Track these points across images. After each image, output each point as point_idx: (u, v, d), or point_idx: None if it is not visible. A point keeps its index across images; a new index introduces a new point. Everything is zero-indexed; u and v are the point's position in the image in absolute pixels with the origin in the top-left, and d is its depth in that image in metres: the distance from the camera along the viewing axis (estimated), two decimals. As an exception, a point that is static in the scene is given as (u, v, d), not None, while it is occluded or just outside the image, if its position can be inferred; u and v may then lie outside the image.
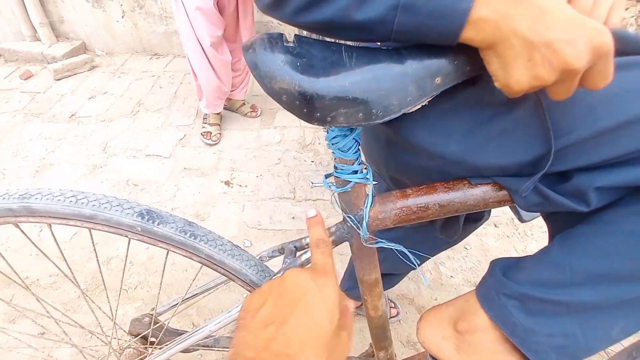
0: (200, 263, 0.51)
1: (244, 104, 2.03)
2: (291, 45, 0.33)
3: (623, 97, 0.35)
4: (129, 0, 2.39)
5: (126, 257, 0.53)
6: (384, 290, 0.82)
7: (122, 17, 2.47)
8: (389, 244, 0.48)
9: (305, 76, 0.32)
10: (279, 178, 1.64)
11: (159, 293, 0.63)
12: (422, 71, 0.33)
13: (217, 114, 1.89)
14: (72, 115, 2.02)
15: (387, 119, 0.35)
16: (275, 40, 0.33)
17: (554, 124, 0.37)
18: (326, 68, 0.32)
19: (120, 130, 1.91)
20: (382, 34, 0.32)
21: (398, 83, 0.33)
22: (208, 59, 1.61)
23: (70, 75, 2.35)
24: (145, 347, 0.72)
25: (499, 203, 0.46)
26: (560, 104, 0.34)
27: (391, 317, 1.16)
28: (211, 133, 1.82)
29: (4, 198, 0.43)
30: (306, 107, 0.33)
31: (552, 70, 0.29)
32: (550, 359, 0.40)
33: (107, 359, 0.71)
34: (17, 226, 0.47)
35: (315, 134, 1.92)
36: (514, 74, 0.30)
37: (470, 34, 0.30)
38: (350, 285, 0.94)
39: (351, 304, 0.27)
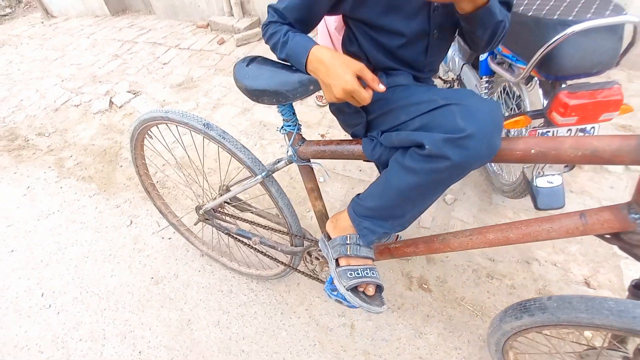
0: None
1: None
2: (246, 63, 0.77)
3: (390, 98, 0.72)
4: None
5: (203, 149, 1.07)
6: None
7: (287, -1, 3.15)
8: (306, 162, 0.92)
9: (246, 80, 0.77)
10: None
11: (226, 172, 1.18)
12: (304, 81, 0.73)
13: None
14: (241, 72, 2.86)
15: (288, 102, 0.78)
16: (243, 61, 0.78)
17: (366, 109, 0.75)
18: (257, 76, 0.76)
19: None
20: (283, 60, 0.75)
21: (292, 85, 0.75)
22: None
23: (246, 44, 3.23)
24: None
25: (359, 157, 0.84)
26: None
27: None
28: (322, 97, 2.33)
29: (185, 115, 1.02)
30: (249, 94, 0.80)
31: (334, 97, 0.67)
32: (363, 228, 0.80)
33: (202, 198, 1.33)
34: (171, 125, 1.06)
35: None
36: (326, 94, 0.69)
37: (309, 70, 0.70)
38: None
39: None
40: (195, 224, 1.33)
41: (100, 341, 1.33)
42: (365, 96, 0.65)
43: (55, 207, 1.95)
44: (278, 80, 0.76)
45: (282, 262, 1.22)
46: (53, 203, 1.98)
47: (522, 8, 1.06)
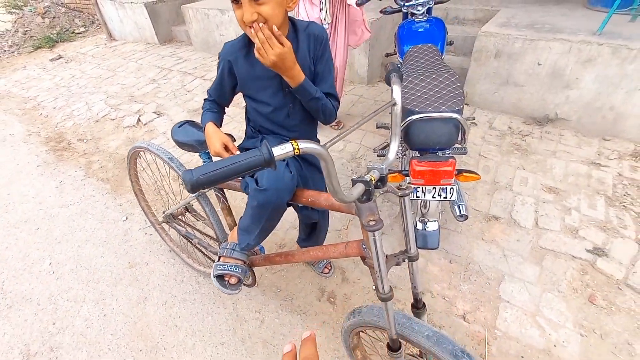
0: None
1: (334, 119, 2.87)
2: (179, 125, 1.23)
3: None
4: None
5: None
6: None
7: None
8: (219, 192, 1.31)
9: (175, 136, 1.24)
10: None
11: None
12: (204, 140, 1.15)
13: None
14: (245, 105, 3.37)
15: (201, 153, 1.19)
16: (179, 124, 1.26)
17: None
18: (182, 134, 1.23)
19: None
20: None
21: (197, 141, 1.20)
22: None
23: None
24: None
25: (239, 190, 1.18)
26: None
27: (325, 274, 1.80)
28: (339, 123, 2.88)
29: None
30: (177, 144, 1.25)
31: (212, 153, 1.10)
32: (239, 238, 1.15)
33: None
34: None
35: (366, 152, 2.56)
36: (210, 150, 1.11)
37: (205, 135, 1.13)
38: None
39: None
40: (160, 223, 1.77)
41: (80, 303, 1.77)
42: (225, 156, 1.09)
43: (76, 200, 2.49)
44: (191, 138, 1.21)
45: (213, 261, 1.61)
46: (75, 196, 2.53)
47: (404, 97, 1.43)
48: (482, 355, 1.46)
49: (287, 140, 0.58)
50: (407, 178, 1.43)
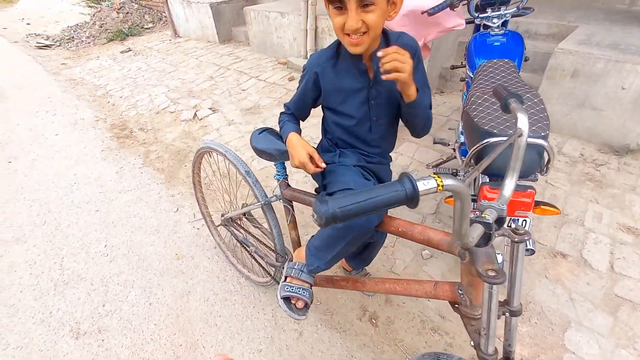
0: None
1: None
2: (259, 132, 1.20)
3: (334, 172, 1.12)
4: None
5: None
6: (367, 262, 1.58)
7: (352, 52, 3.64)
8: (286, 204, 1.28)
9: (254, 143, 1.21)
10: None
11: (247, 193, 1.60)
12: (285, 150, 1.13)
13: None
14: (297, 108, 3.39)
15: (277, 163, 1.19)
16: (258, 130, 1.22)
17: (323, 175, 1.12)
18: (262, 141, 1.19)
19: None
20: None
21: (278, 152, 1.15)
22: None
23: (310, 83, 3.78)
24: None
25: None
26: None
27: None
28: None
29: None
30: (255, 151, 1.22)
31: (293, 163, 1.08)
32: (308, 260, 1.13)
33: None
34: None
35: (417, 167, 2.44)
36: (291, 161, 1.09)
37: (286, 144, 1.11)
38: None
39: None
40: (217, 226, 1.80)
41: (129, 288, 1.84)
42: (311, 168, 1.08)
43: (133, 186, 2.63)
44: (272, 147, 1.19)
45: (268, 273, 1.59)
46: (133, 183, 2.67)
47: (474, 113, 1.33)
48: (540, 410, 1.30)
49: (403, 176, 0.52)
50: (475, 204, 1.32)
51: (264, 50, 4.82)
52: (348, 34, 0.90)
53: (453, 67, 2.41)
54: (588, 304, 1.59)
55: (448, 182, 0.53)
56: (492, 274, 0.68)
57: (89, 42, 6.83)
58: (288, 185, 1.32)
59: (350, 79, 1.04)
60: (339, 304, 1.70)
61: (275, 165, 1.31)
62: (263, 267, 1.62)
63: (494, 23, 1.93)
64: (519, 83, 1.47)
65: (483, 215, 0.69)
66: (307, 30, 3.90)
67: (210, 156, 1.68)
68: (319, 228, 1.20)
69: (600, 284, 1.66)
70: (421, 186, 0.50)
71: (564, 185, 2.21)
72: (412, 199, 0.50)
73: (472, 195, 1.33)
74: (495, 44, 1.80)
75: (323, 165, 1.08)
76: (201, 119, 3.46)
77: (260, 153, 1.23)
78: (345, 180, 1.05)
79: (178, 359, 1.51)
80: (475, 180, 1.57)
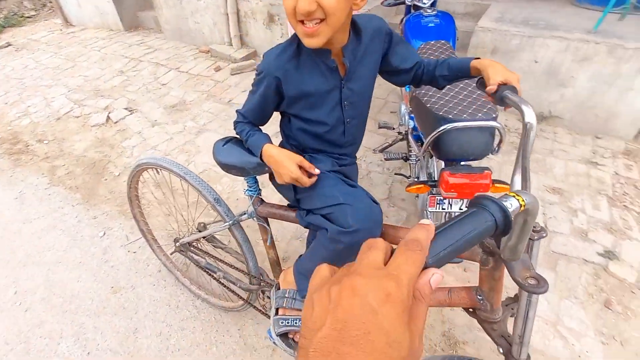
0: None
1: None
2: (223, 143, 1.01)
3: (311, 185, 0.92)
4: (286, 25, 3.33)
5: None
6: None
7: (281, 37, 3.45)
8: (261, 222, 1.13)
9: (220, 157, 1.01)
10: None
11: (203, 209, 1.40)
12: (260, 164, 0.97)
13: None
14: (229, 101, 3.13)
15: (248, 177, 0.99)
16: (222, 140, 1.04)
17: (295, 188, 0.98)
18: (229, 154, 1.01)
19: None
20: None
21: (252, 165, 0.98)
22: None
23: (239, 73, 3.51)
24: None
25: (297, 222, 1.02)
26: None
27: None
28: None
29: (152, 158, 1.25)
30: (221, 166, 1.03)
31: (284, 181, 0.91)
32: (300, 285, 1.00)
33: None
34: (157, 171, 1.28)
35: (365, 152, 2.43)
36: (277, 179, 0.93)
37: (263, 159, 0.93)
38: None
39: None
40: (171, 254, 1.55)
41: (57, 339, 1.53)
42: (306, 181, 0.92)
43: (41, 213, 2.18)
44: (243, 160, 1.00)
45: (241, 297, 1.42)
46: (40, 208, 2.21)
47: (424, 99, 1.31)
48: (510, 373, 1.40)
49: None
50: (433, 189, 1.32)
51: (180, 37, 4.34)
52: (302, 22, 0.76)
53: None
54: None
55: (529, 200, 0.46)
56: (532, 282, 0.64)
57: (-53, 36, 5.47)
58: (262, 200, 1.15)
59: (317, 81, 0.89)
60: (308, 309, 1.62)
61: (245, 180, 1.12)
62: (235, 292, 1.44)
63: (424, 3, 1.94)
64: (460, 64, 1.49)
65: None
66: (227, 14, 3.58)
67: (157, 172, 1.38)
68: (301, 245, 1.06)
69: (539, 244, 1.83)
70: (508, 206, 0.42)
71: (497, 156, 2.38)
72: (504, 229, 0.40)
73: (432, 180, 1.32)
74: (430, 25, 1.81)
75: (317, 171, 0.93)
76: (116, 122, 3.01)
77: (229, 168, 1.03)
78: (330, 193, 0.92)
79: (136, 412, 1.30)
80: (427, 164, 1.59)
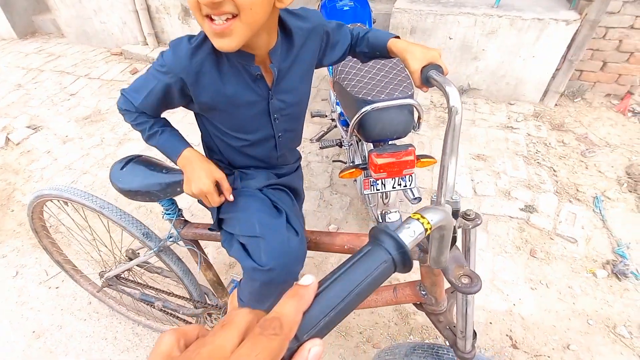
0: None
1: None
2: (122, 166, 0.88)
3: (234, 205, 0.88)
4: (204, 20, 3.14)
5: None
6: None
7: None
8: (189, 246, 1.03)
9: (119, 183, 0.87)
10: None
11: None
12: (172, 184, 0.86)
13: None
14: (152, 105, 2.88)
15: (162, 200, 0.88)
16: (120, 162, 0.89)
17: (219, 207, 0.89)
18: (130, 179, 0.87)
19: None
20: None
21: (161, 187, 0.86)
22: None
23: (160, 74, 3.25)
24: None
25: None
26: None
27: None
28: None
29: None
30: (124, 194, 0.88)
31: (190, 191, 0.80)
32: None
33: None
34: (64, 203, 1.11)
35: (303, 143, 2.40)
36: (185, 186, 0.81)
37: (178, 163, 0.81)
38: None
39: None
40: (98, 291, 1.38)
41: (-32, 405, 1.31)
42: (216, 200, 0.81)
43: None
44: (149, 182, 0.86)
45: (187, 322, 1.30)
46: None
47: (344, 83, 1.30)
48: (457, 333, 1.49)
49: (397, 214, 0.44)
50: (365, 172, 1.33)
51: (86, 40, 3.90)
52: (209, 17, 0.62)
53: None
54: (467, 228, 1.87)
55: (433, 216, 0.40)
56: (465, 280, 0.62)
57: None
58: (186, 221, 1.04)
59: (239, 89, 0.76)
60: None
61: (161, 204, 0.98)
62: (181, 319, 1.33)
63: (339, -13, 1.93)
64: (377, 45, 1.50)
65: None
66: (137, 10, 3.27)
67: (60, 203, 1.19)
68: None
69: (471, 207, 1.96)
70: (407, 238, 0.36)
71: (426, 132, 2.50)
72: (405, 264, 0.34)
73: (364, 163, 1.33)
74: (345, 8, 1.81)
75: (231, 197, 0.83)
76: (18, 143, 2.62)
77: (134, 195, 0.88)
78: (247, 220, 0.82)
79: None
80: (359, 147, 1.60)
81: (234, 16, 0.61)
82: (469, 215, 0.67)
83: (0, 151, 2.58)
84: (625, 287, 1.61)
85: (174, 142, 0.83)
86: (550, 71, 2.58)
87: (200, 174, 0.79)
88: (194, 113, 0.88)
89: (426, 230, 0.38)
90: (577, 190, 2.04)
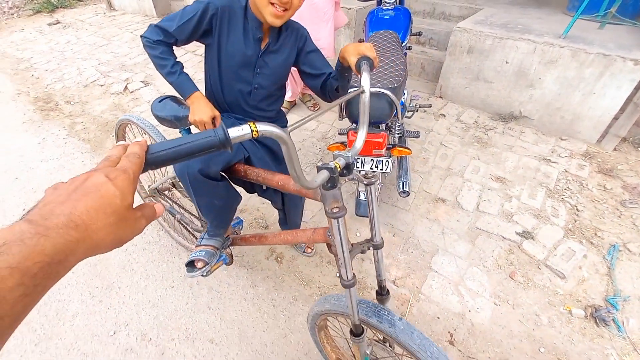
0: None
1: (310, 99, 2.98)
2: (160, 100, 1.29)
3: None
4: None
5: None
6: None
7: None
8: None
9: (155, 111, 1.28)
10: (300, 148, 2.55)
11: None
12: (186, 117, 1.21)
13: (291, 101, 2.93)
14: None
15: (179, 127, 1.28)
16: (159, 98, 1.30)
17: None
18: (162, 109, 1.26)
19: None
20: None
21: (180, 118, 1.23)
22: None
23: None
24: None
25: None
26: None
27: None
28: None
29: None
30: (157, 119, 1.28)
31: (193, 118, 1.16)
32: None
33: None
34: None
35: (336, 133, 2.69)
36: (190, 115, 1.17)
37: (187, 100, 1.18)
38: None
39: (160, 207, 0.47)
40: (144, 198, 1.90)
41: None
42: (209, 127, 1.14)
43: (55, 155, 2.62)
44: (174, 114, 1.23)
45: (195, 237, 1.73)
46: (55, 152, 2.66)
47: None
48: (403, 314, 1.62)
49: (245, 122, 0.56)
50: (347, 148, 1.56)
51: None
52: (273, 3, 1.01)
53: (360, 41, 2.62)
54: (454, 236, 1.94)
55: (263, 128, 0.55)
56: (335, 210, 0.75)
57: (12, 14, 6.28)
58: None
59: (245, 40, 1.13)
60: (250, 248, 1.91)
61: (180, 132, 1.34)
62: (191, 233, 1.75)
63: (388, 1, 2.18)
64: (394, 49, 1.73)
65: (331, 162, 0.74)
66: None
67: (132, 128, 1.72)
68: None
69: (467, 220, 2.01)
70: (234, 132, 0.53)
71: (455, 147, 2.56)
72: (224, 144, 0.51)
73: (346, 142, 1.57)
74: (385, 17, 2.05)
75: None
76: (132, 91, 3.45)
77: (162, 120, 1.24)
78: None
79: (93, 297, 1.65)
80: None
81: (286, 10, 1.04)
82: (367, 174, 0.85)
83: (119, 95, 3.42)
84: (600, 333, 1.53)
85: (189, 83, 1.18)
86: (612, 112, 2.41)
87: (203, 109, 1.14)
88: (204, 53, 1.23)
89: (252, 132, 0.54)
90: (595, 234, 1.93)
